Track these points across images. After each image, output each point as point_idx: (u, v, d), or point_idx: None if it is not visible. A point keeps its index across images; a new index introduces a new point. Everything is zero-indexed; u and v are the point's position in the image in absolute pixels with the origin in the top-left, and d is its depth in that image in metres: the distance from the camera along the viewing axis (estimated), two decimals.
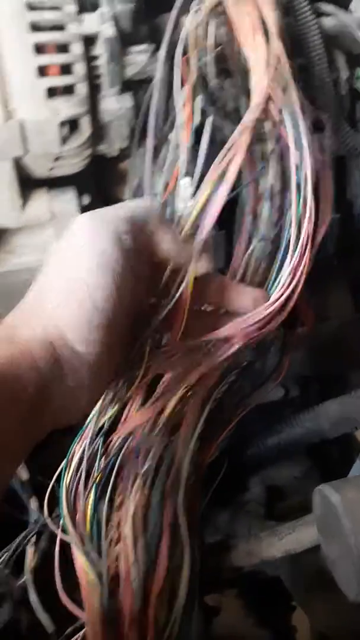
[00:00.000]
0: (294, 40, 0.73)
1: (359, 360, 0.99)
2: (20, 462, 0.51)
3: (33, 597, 0.62)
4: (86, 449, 0.65)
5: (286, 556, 0.95)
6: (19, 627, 0.63)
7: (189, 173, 0.72)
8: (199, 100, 0.68)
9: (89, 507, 0.61)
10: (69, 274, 0.51)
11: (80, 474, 0.63)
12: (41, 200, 0.76)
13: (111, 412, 0.67)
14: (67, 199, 0.77)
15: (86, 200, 0.79)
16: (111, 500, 0.66)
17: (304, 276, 0.68)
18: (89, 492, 0.62)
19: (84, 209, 0.79)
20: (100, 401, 0.65)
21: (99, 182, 0.82)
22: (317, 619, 1.06)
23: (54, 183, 0.77)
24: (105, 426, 0.66)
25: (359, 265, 0.99)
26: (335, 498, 0.59)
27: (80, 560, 0.58)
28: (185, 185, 0.74)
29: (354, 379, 1.01)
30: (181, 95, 0.68)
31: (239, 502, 0.97)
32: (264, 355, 0.83)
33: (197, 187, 0.72)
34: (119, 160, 0.80)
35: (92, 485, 0.62)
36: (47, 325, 0.49)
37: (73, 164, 0.74)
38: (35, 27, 0.65)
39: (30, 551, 0.65)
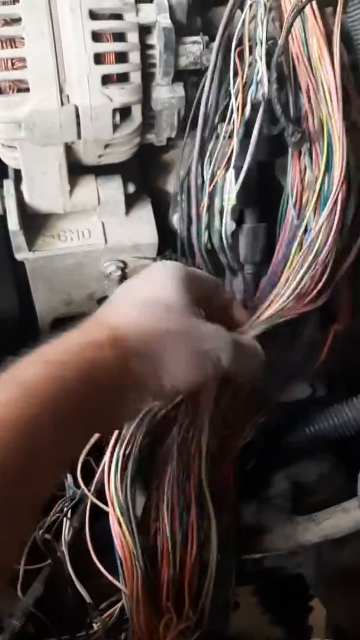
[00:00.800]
0: (346, 38, 0.73)
1: None
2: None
3: (69, 570, 0.63)
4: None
5: (310, 553, 0.96)
6: (59, 599, 0.65)
7: (237, 165, 0.73)
8: (251, 93, 0.69)
9: (128, 481, 0.63)
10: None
11: (121, 450, 0.64)
12: (88, 187, 0.78)
13: None
14: (114, 186, 0.79)
15: (131, 188, 0.80)
16: (147, 479, 0.68)
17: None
18: (129, 467, 0.64)
19: (129, 197, 0.80)
20: None
21: (143, 171, 0.83)
22: (336, 613, 1.07)
23: (101, 170, 0.78)
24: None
25: None
26: None
27: (120, 532, 0.59)
28: (231, 177, 0.75)
29: None
30: (234, 88, 0.69)
31: (264, 497, 0.97)
32: (297, 350, 0.84)
33: (245, 178, 0.73)
34: (165, 150, 0.82)
35: (132, 460, 0.64)
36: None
37: (122, 152, 0.75)
38: (94, 15, 0.66)
39: (66, 525, 0.66)
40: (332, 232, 0.70)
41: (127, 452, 0.66)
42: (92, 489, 0.68)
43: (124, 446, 0.66)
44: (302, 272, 0.70)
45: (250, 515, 0.91)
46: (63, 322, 0.85)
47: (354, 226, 0.75)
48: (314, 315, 0.80)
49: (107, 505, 0.62)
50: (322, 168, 0.70)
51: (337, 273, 0.75)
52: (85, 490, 0.67)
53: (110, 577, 0.59)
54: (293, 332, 0.81)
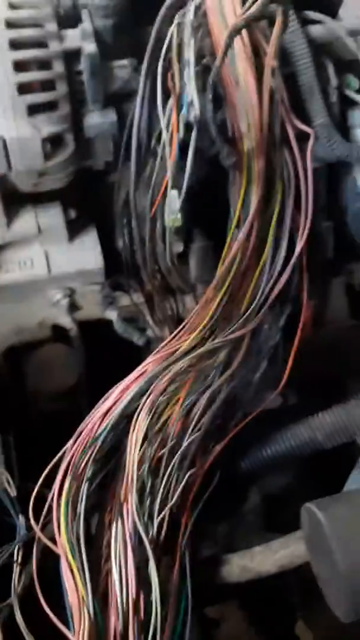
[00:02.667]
0: (281, 49, 0.72)
1: (357, 366, 0.98)
2: None
3: (19, 618, 0.61)
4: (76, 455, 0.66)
5: (292, 576, 0.95)
6: None
7: (176, 186, 0.72)
8: (183, 115, 0.68)
9: (81, 520, 0.62)
10: None
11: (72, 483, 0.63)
12: (27, 216, 0.76)
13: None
14: (53, 213, 0.77)
15: (72, 214, 0.78)
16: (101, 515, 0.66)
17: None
18: (81, 502, 0.63)
19: (71, 224, 0.79)
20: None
21: (85, 196, 0.81)
22: (317, 630, 1.06)
23: (39, 198, 0.77)
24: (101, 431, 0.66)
25: (354, 271, 0.98)
26: (322, 517, 0.59)
27: (71, 577, 0.58)
28: (173, 198, 0.74)
29: (352, 386, 1.00)
30: (165, 110, 0.68)
31: (238, 513, 0.96)
32: (258, 365, 0.82)
33: (184, 199, 0.71)
34: (106, 173, 0.80)
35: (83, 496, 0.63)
36: None
37: (58, 179, 0.73)
38: (15, 45, 0.65)
39: (16, 570, 0.65)
40: (249, 250, 0.72)
41: (77, 484, 0.65)
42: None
43: (72, 478, 0.64)
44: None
45: (221, 537, 0.89)
46: (16, 351, 0.84)
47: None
48: (276, 328, 0.79)
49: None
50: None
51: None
52: (37, 531, 0.64)
53: (61, 627, 0.57)
54: (257, 345, 0.80)
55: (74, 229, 0.79)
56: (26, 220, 0.76)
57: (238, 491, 0.98)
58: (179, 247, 0.77)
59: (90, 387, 0.94)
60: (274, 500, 1.00)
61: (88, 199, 0.82)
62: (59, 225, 0.77)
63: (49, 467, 0.65)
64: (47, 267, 0.78)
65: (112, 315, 0.84)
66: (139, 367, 0.74)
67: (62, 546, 0.61)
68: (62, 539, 0.61)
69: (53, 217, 0.77)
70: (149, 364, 0.74)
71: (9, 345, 0.86)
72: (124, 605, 0.59)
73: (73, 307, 0.82)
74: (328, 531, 0.58)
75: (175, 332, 0.76)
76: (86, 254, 0.80)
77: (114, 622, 0.58)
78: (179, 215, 0.74)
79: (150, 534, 0.62)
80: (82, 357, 0.90)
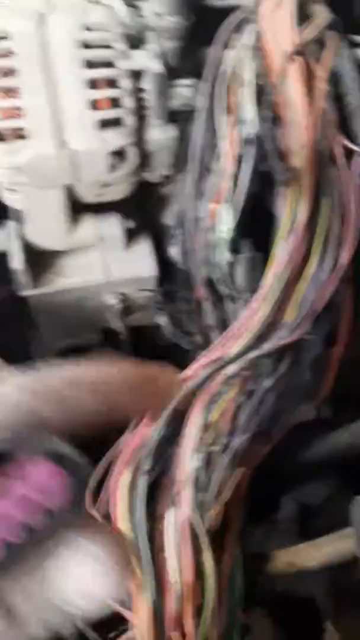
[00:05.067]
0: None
1: None
2: None
3: None
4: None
5: (322, 573, 0.97)
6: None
7: (230, 200, 0.76)
8: (241, 131, 0.72)
9: (138, 507, 0.65)
10: None
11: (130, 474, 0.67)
12: (88, 224, 0.81)
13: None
14: (113, 222, 0.81)
15: (130, 223, 0.83)
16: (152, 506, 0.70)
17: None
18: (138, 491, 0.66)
19: (128, 232, 0.83)
20: None
21: (142, 207, 0.86)
22: (348, 635, 1.07)
23: (100, 208, 0.81)
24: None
25: None
26: None
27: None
28: (226, 211, 0.78)
29: None
30: (223, 126, 0.72)
31: (271, 521, 0.99)
32: (302, 374, 0.85)
33: (238, 213, 0.75)
34: (162, 185, 0.84)
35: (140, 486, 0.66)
36: None
37: (119, 190, 0.78)
38: (88, 64, 0.69)
39: None
40: (296, 262, 0.75)
41: (135, 474, 0.68)
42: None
43: (130, 469, 0.68)
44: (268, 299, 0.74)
45: (256, 543, 0.92)
46: (67, 354, 0.88)
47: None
48: (319, 338, 0.82)
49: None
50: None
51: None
52: (97, 516, 0.68)
53: (120, 609, 0.61)
54: (301, 353, 0.83)
55: (130, 238, 0.84)
56: (87, 229, 0.80)
57: (274, 498, 1.00)
58: (229, 257, 0.81)
59: None
60: (308, 509, 1.02)
61: (141, 209, 0.87)
62: (117, 233, 0.81)
63: (106, 459, 0.69)
64: (103, 273, 0.82)
65: (162, 320, 0.88)
66: (189, 370, 0.78)
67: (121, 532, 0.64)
68: (121, 524, 0.65)
69: (112, 226, 0.81)
70: (198, 367, 0.77)
71: (63, 347, 0.90)
72: (180, 592, 0.62)
73: (125, 312, 0.86)
74: None
75: (221, 338, 0.80)
76: (141, 261, 0.84)
77: (170, 606, 0.62)
78: (231, 227, 0.78)
79: (205, 525, 0.66)
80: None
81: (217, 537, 0.68)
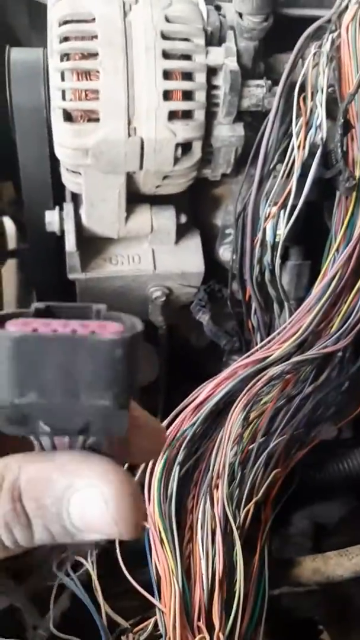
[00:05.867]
0: None
1: None
2: None
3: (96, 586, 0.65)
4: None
5: (324, 595, 0.96)
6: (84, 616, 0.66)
7: (292, 203, 0.76)
8: (310, 136, 0.73)
9: (172, 499, 0.65)
10: None
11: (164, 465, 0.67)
12: (143, 215, 0.81)
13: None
14: (167, 216, 0.82)
15: (183, 219, 0.83)
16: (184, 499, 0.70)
17: None
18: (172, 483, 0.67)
19: (180, 227, 0.83)
20: None
21: (195, 204, 0.86)
22: None
23: (155, 200, 0.81)
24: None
25: None
26: None
27: (162, 550, 0.61)
28: (284, 215, 0.78)
29: None
30: (295, 129, 0.72)
31: (283, 535, 0.98)
32: (338, 388, 0.85)
33: (297, 216, 0.76)
34: (216, 185, 0.85)
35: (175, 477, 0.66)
36: None
37: (178, 184, 0.78)
38: (166, 55, 0.70)
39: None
40: (348, 272, 0.75)
41: (170, 466, 0.69)
42: None
43: (165, 460, 0.68)
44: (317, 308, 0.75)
45: (274, 550, 0.92)
46: None
47: None
48: (339, 358, 0.82)
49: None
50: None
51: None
52: None
53: (147, 595, 0.61)
54: (342, 364, 0.83)
55: (181, 233, 0.84)
56: (141, 219, 0.81)
57: (286, 514, 1.00)
58: (280, 262, 0.81)
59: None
60: (321, 528, 1.01)
61: (195, 206, 0.87)
62: (170, 227, 0.82)
63: None
64: (152, 264, 0.83)
65: (203, 318, 0.88)
66: (229, 369, 0.78)
67: (155, 521, 0.64)
68: (155, 515, 0.65)
69: (166, 219, 0.81)
70: (239, 367, 0.77)
71: None
72: (210, 583, 0.62)
73: (167, 306, 0.86)
74: None
75: (266, 340, 0.80)
76: (190, 257, 0.84)
77: (199, 595, 0.61)
78: (286, 231, 0.78)
79: (237, 521, 0.66)
80: (165, 356, 0.95)
81: (248, 536, 0.68)
